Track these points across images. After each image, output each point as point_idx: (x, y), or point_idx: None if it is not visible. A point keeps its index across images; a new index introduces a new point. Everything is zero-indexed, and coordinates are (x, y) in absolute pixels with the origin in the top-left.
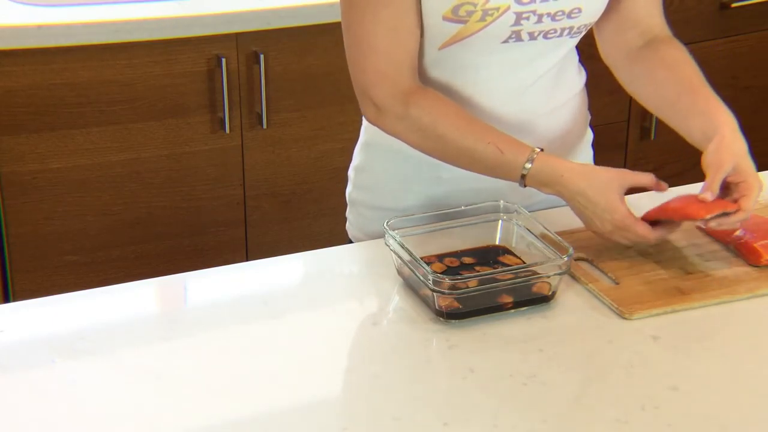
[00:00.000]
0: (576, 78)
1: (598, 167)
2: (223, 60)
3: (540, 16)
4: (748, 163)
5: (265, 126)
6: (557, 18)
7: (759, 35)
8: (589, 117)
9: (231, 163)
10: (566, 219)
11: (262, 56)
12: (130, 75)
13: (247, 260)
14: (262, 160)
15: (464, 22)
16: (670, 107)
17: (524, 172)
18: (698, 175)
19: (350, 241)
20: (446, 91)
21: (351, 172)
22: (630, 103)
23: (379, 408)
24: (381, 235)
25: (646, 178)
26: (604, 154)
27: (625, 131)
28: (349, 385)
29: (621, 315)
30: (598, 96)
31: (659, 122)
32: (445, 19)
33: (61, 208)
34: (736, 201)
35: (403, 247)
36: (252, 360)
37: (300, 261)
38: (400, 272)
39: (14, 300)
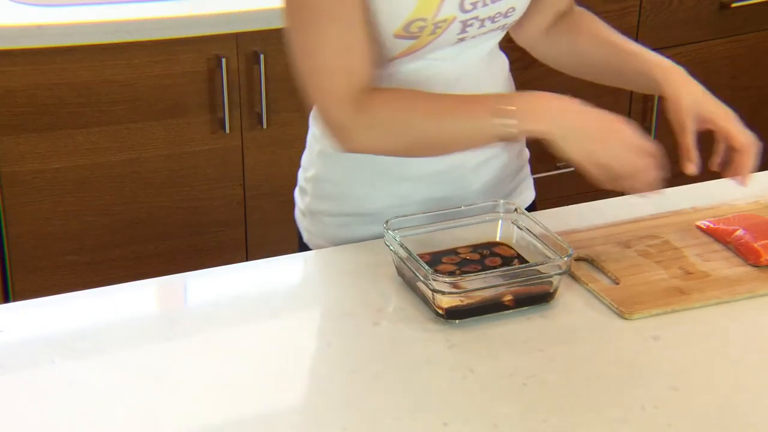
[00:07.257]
0: (503, 62)
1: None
2: (223, 60)
3: (482, 21)
4: (709, 105)
5: (265, 126)
6: (496, 20)
7: (759, 35)
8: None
9: (231, 163)
10: (566, 219)
11: (262, 56)
12: (130, 75)
13: (247, 260)
14: (262, 160)
15: (416, 37)
16: (605, 69)
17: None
18: (698, 175)
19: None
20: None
21: (307, 184)
22: (630, 103)
23: (379, 408)
24: (346, 241)
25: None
26: None
27: None
28: (349, 385)
29: (621, 315)
30: (598, 96)
31: (659, 122)
32: (397, 36)
33: (61, 208)
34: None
35: (403, 247)
36: (252, 360)
37: (300, 261)
38: (400, 272)
39: (14, 300)
